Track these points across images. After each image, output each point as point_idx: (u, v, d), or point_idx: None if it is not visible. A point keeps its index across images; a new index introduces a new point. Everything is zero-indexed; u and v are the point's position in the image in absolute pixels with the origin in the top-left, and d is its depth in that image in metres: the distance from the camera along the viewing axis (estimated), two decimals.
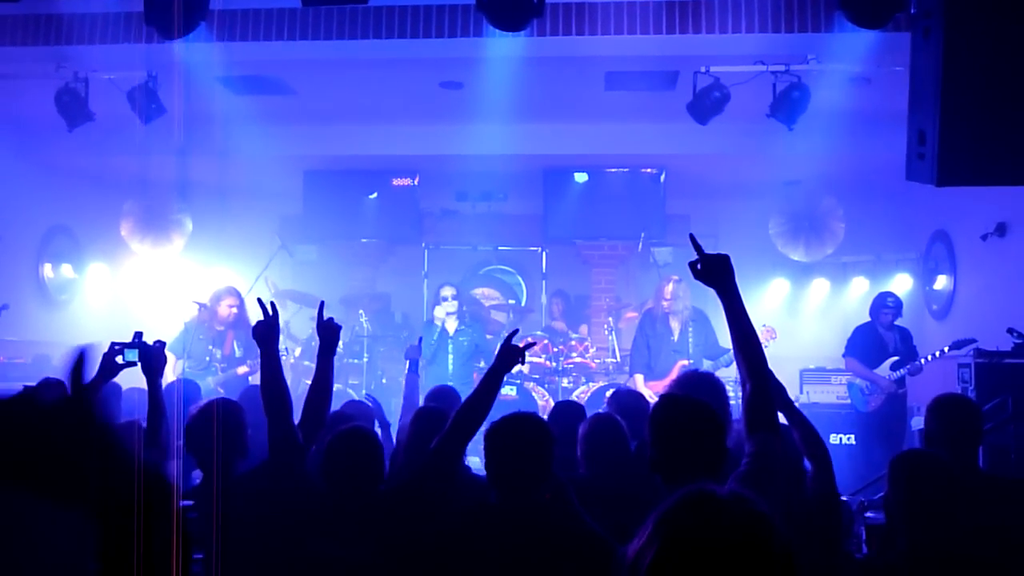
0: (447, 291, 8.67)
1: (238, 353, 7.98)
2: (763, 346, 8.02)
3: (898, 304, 8.50)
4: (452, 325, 8.61)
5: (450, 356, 8.51)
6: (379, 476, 3.66)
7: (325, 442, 3.64)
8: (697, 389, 4.21)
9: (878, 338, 8.44)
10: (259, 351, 3.91)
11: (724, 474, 2.89)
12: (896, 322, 8.50)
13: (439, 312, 8.54)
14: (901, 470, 3.37)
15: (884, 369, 8.31)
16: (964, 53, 4.68)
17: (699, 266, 3.18)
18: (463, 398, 3.89)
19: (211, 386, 7.60)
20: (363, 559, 3.35)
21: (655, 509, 1.46)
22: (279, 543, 3.34)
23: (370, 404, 5.87)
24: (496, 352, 3.89)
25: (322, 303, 4.32)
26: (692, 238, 3.34)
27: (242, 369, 7.91)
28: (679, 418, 2.94)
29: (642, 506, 3.37)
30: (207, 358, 7.92)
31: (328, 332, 4.12)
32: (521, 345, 3.93)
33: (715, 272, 3.15)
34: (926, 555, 3.13)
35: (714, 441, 2.88)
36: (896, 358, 8.29)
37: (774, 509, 1.46)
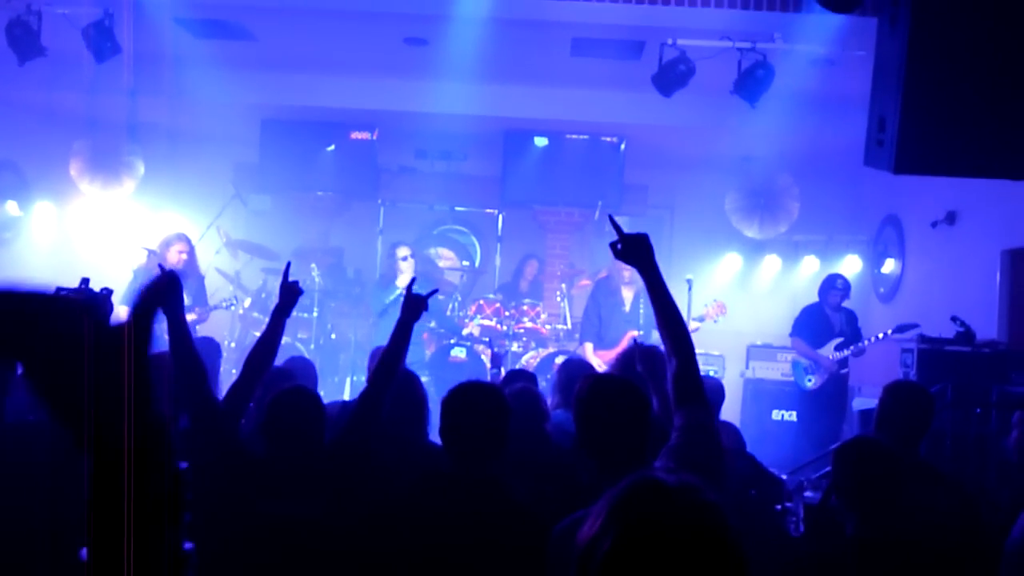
0: (403, 251, 8.66)
1: (187, 301, 7.87)
2: (714, 320, 8.10)
3: (847, 286, 8.64)
4: (404, 283, 8.56)
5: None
6: (321, 435, 3.63)
7: (265, 401, 3.61)
8: (643, 360, 4.25)
9: (824, 318, 8.59)
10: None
11: (655, 448, 2.93)
12: (843, 304, 8.65)
13: (401, 279, 8.51)
14: (848, 457, 3.43)
15: (828, 349, 8.45)
16: (929, 43, 4.72)
17: (619, 246, 3.21)
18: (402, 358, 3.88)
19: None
20: (316, 516, 3.35)
21: (604, 497, 1.46)
22: (227, 510, 3.30)
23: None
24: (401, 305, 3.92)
25: (288, 263, 4.27)
26: (611, 218, 3.40)
27: (190, 316, 7.82)
28: (599, 398, 2.96)
29: (556, 478, 3.41)
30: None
31: (288, 294, 4.11)
32: (425, 294, 3.96)
33: (636, 251, 3.21)
34: (873, 540, 3.20)
35: (636, 418, 2.90)
36: (840, 339, 8.44)
37: (708, 484, 1.48)
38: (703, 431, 2.91)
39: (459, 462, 3.20)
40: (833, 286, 8.63)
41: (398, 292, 8.41)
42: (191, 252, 7.98)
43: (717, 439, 3.00)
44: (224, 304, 8.63)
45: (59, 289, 4.05)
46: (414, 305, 3.91)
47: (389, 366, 3.76)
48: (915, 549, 3.19)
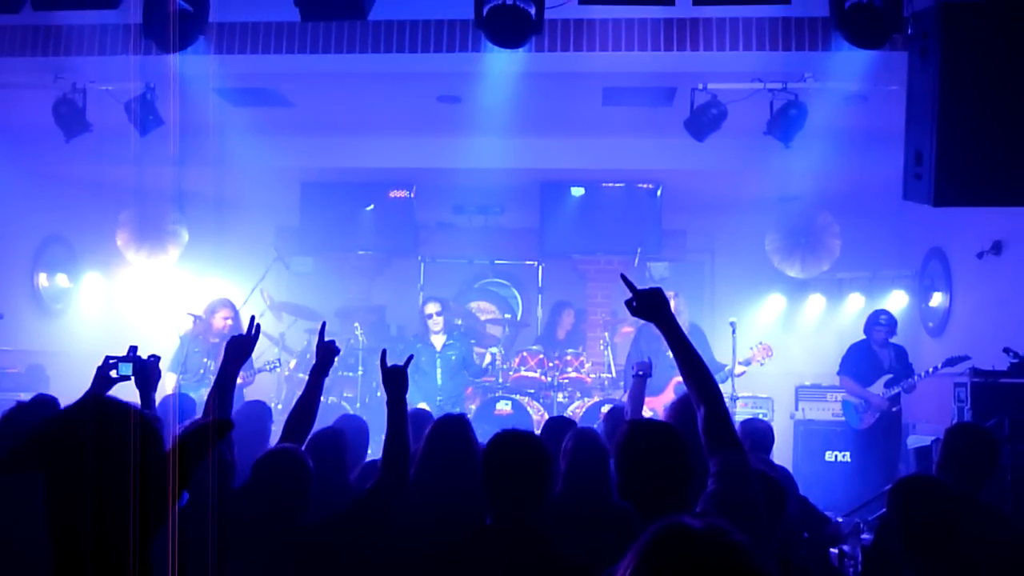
0: (432, 307, 8.94)
1: None
2: (760, 363, 8.01)
3: (891, 321, 8.52)
4: (440, 340, 8.88)
5: (438, 371, 8.75)
6: (300, 505, 3.57)
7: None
8: (687, 410, 4.20)
9: (872, 356, 8.46)
10: (223, 359, 4.01)
11: (696, 494, 2.91)
12: (891, 339, 8.52)
13: (435, 338, 8.87)
14: (903, 497, 3.35)
15: (878, 387, 8.32)
16: (961, 74, 4.71)
17: (635, 303, 3.20)
18: (444, 411, 3.87)
19: (204, 397, 7.59)
20: None
21: (633, 544, 1.46)
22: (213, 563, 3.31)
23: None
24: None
25: (323, 323, 4.32)
26: (623, 277, 3.42)
27: (237, 380, 7.89)
28: (639, 443, 2.97)
29: (616, 530, 3.37)
30: (201, 370, 7.92)
31: (326, 353, 4.17)
32: (403, 365, 3.91)
33: (651, 306, 3.21)
34: None
35: (676, 463, 2.91)
36: (890, 376, 8.31)
37: (748, 530, 1.47)
38: (738, 475, 2.88)
39: (501, 515, 3.17)
40: (877, 322, 8.52)
41: (438, 353, 8.76)
42: (235, 317, 8.12)
43: (754, 481, 2.96)
44: (268, 367, 8.71)
45: (108, 357, 4.14)
46: (396, 378, 3.83)
47: (398, 448, 3.69)
48: None
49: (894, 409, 8.33)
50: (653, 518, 2.75)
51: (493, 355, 9.42)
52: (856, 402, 8.48)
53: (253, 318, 4.20)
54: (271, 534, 3.44)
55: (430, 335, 8.88)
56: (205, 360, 7.94)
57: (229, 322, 8.09)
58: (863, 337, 8.62)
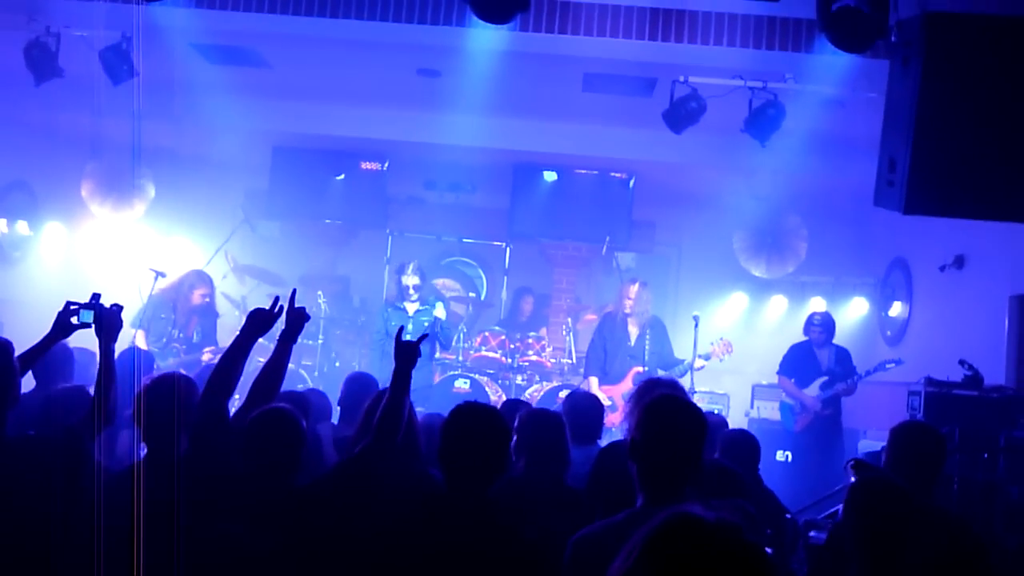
0: (411, 279, 8.41)
1: (196, 339, 7.97)
2: (720, 359, 8.02)
3: (826, 322, 8.60)
4: (413, 306, 8.48)
5: (408, 337, 8.30)
6: (294, 464, 3.62)
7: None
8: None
9: (811, 357, 8.54)
10: (243, 329, 4.04)
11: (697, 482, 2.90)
12: (833, 341, 8.58)
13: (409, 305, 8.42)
14: (861, 496, 3.34)
15: (813, 388, 8.40)
16: (941, 85, 4.74)
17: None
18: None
19: (171, 366, 7.54)
20: (269, 546, 3.32)
21: (640, 532, 1.42)
22: (192, 521, 3.29)
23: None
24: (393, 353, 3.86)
25: (294, 290, 4.28)
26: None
27: (206, 355, 7.86)
28: (668, 415, 2.89)
29: (578, 513, 3.38)
30: (165, 339, 7.83)
31: (296, 319, 4.14)
32: (416, 341, 3.91)
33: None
34: None
35: (698, 443, 2.88)
36: (826, 378, 8.38)
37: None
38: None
39: (457, 485, 3.18)
40: (811, 323, 8.62)
41: (410, 317, 8.31)
42: (212, 293, 8.16)
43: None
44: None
45: (69, 303, 4.07)
46: (407, 352, 3.82)
47: (393, 417, 3.69)
48: None
49: (827, 412, 8.38)
50: (653, 491, 2.75)
51: (461, 332, 9.40)
52: (791, 403, 8.57)
53: (277, 299, 4.20)
54: (266, 493, 3.44)
55: (405, 301, 8.45)
56: (172, 330, 7.85)
57: (207, 299, 8.09)
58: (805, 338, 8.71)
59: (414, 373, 3.78)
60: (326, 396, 5.73)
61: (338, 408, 5.59)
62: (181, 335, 7.86)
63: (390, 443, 3.66)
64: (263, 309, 4.12)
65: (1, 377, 3.58)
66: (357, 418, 4.30)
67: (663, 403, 2.92)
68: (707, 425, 2.93)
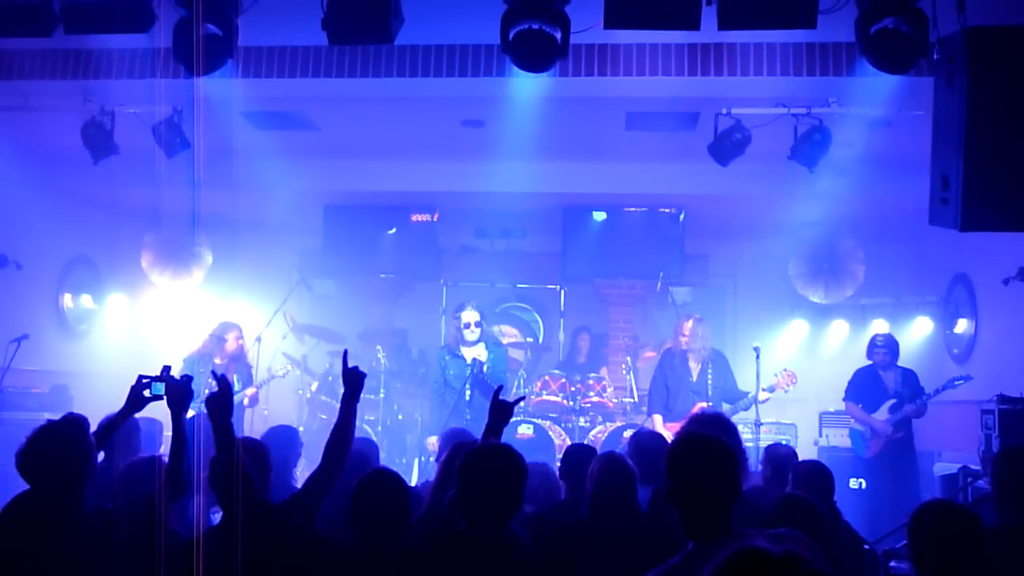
0: (470, 316, 8.13)
1: (237, 387, 8.11)
2: (784, 390, 7.90)
3: (889, 343, 8.43)
4: (471, 353, 8.13)
5: (467, 385, 8.02)
6: (406, 522, 3.60)
7: (352, 486, 3.61)
8: (709, 429, 4.18)
9: (877, 380, 8.36)
10: (344, 396, 4.10)
11: (737, 513, 2.90)
12: (898, 363, 8.42)
13: (469, 351, 8.12)
14: (924, 524, 3.25)
15: (882, 412, 8.22)
16: (987, 98, 4.69)
17: None
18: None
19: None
20: None
21: (710, 565, 1.43)
22: None
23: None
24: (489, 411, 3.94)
25: (345, 351, 4.30)
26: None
27: (250, 390, 8.20)
28: (693, 453, 2.97)
29: (642, 556, 3.35)
30: (206, 390, 7.97)
31: (353, 379, 4.15)
32: (511, 400, 4.01)
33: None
34: None
35: (729, 476, 2.92)
36: (894, 400, 8.20)
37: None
38: None
39: (474, 522, 3.22)
40: (875, 345, 8.45)
41: (468, 365, 8.08)
42: (242, 335, 8.40)
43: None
44: (274, 375, 8.84)
45: (142, 377, 4.17)
46: (503, 410, 3.96)
47: (340, 442, 3.87)
48: None
49: (898, 435, 8.19)
50: (699, 531, 2.77)
51: (521, 378, 9.40)
52: (861, 429, 8.39)
53: (346, 352, 4.28)
54: (378, 557, 3.46)
55: (460, 347, 8.15)
56: (210, 380, 8.00)
57: (241, 342, 8.31)
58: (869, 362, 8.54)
59: (477, 422, 3.84)
60: (374, 446, 5.80)
61: (436, 464, 5.64)
62: None
63: (336, 468, 3.80)
64: (350, 369, 4.13)
65: (78, 452, 3.67)
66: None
67: (684, 446, 3.01)
68: (734, 455, 2.97)
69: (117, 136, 7.76)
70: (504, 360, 8.42)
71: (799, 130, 7.41)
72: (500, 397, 3.98)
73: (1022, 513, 3.68)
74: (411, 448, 9.49)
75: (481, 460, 3.32)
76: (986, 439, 6.54)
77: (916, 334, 10.27)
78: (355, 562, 3.44)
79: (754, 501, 4.41)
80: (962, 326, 9.74)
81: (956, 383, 7.95)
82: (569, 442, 8.32)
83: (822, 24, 5.31)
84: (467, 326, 8.12)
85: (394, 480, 3.62)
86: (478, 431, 7.25)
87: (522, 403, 5.45)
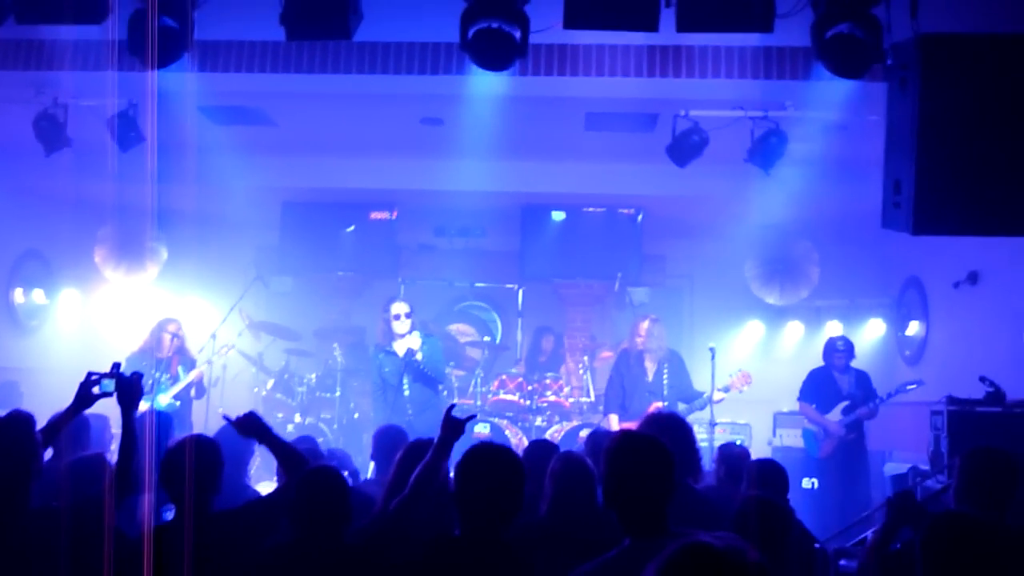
0: (400, 307, 7.93)
1: (181, 376, 8.20)
2: (739, 391, 7.96)
3: (848, 346, 8.55)
4: (404, 345, 7.83)
5: (405, 380, 7.78)
6: (345, 521, 3.59)
7: (294, 482, 3.60)
8: (663, 430, 4.21)
9: (831, 382, 8.48)
10: (440, 439, 3.85)
11: (691, 512, 2.94)
12: (852, 364, 8.53)
13: (400, 344, 7.85)
14: (941, 538, 3.14)
15: (836, 413, 8.33)
16: (939, 104, 4.76)
17: None
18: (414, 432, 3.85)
19: (163, 404, 7.85)
20: None
21: (653, 562, 1.45)
22: None
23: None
24: (440, 424, 3.84)
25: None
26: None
27: (194, 373, 8.19)
28: (629, 452, 3.01)
29: (599, 555, 3.37)
30: (150, 381, 7.92)
31: (452, 427, 3.87)
32: (463, 419, 3.88)
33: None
34: None
35: (664, 475, 2.96)
36: (847, 402, 8.31)
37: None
38: None
39: (472, 526, 3.17)
40: (834, 348, 8.56)
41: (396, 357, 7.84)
42: (180, 328, 8.35)
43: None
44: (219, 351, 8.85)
45: (91, 373, 4.11)
46: (454, 427, 3.81)
47: (429, 481, 3.69)
48: None
49: (850, 436, 8.30)
50: (636, 528, 2.81)
51: (478, 376, 9.39)
52: (814, 429, 8.50)
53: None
54: (317, 551, 3.44)
55: (393, 341, 7.88)
56: (155, 373, 7.98)
57: (181, 334, 8.29)
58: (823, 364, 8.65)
59: (421, 416, 3.79)
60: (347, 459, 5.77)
61: (372, 463, 5.61)
62: (167, 376, 8.01)
63: (421, 503, 3.69)
64: (453, 418, 3.89)
65: (24, 450, 3.61)
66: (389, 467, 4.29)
67: (621, 445, 3.03)
68: (669, 453, 3.01)
69: (70, 129, 7.63)
70: (439, 350, 8.08)
71: (756, 133, 7.49)
72: (453, 414, 3.88)
73: (982, 510, 3.72)
74: (367, 447, 9.42)
75: (479, 462, 3.24)
76: (935, 440, 6.64)
77: (869, 336, 10.43)
78: (293, 559, 3.41)
79: (707, 499, 4.46)
80: (914, 328, 9.91)
81: (908, 387, 8.09)
82: (526, 441, 8.33)
83: (779, 28, 5.37)
84: (396, 317, 7.88)
85: (333, 478, 3.60)
86: (421, 426, 7.24)
87: (477, 419, 5.33)
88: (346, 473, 5.09)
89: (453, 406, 4.07)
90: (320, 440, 7.73)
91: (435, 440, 3.81)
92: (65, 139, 7.64)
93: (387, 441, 5.37)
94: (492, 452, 3.30)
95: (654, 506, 2.88)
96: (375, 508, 4.04)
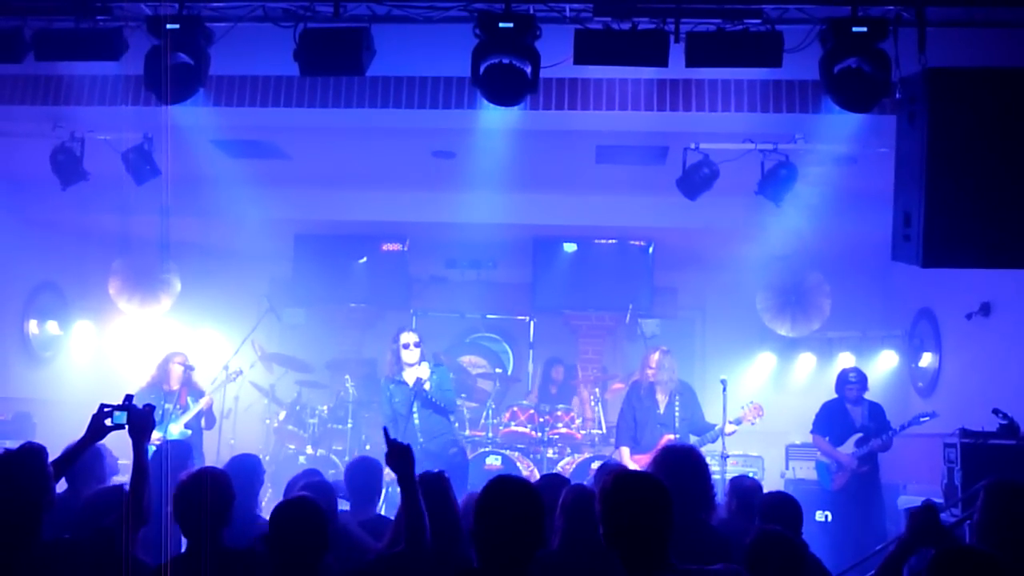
0: (409, 337, 7.96)
1: (191, 405, 8.17)
2: (751, 423, 7.93)
3: (861, 378, 8.50)
4: (413, 375, 7.86)
5: (415, 411, 7.80)
6: (321, 551, 3.59)
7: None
8: (678, 464, 4.19)
9: (844, 414, 8.41)
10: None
11: (703, 546, 2.94)
12: (865, 396, 8.48)
13: (410, 373, 7.86)
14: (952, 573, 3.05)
15: (848, 446, 8.27)
16: (948, 137, 4.78)
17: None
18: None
19: (175, 433, 7.84)
20: None
21: None
22: None
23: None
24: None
25: (385, 428, 4.19)
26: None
27: (203, 401, 8.17)
28: (625, 494, 3.02)
29: None
30: (160, 412, 7.94)
31: (399, 458, 3.87)
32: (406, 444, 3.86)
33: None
34: None
35: (660, 513, 2.97)
36: (860, 435, 8.26)
37: None
38: None
39: (491, 560, 3.13)
40: (847, 380, 8.50)
41: (407, 387, 7.81)
42: (186, 359, 8.31)
43: None
44: (228, 377, 8.85)
45: (103, 405, 4.14)
46: (400, 456, 3.78)
47: (415, 522, 3.70)
48: None
49: (864, 469, 8.24)
50: (637, 566, 2.81)
51: (490, 408, 9.39)
52: (827, 462, 8.44)
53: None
54: None
55: (403, 371, 7.88)
56: (166, 405, 8.00)
57: (187, 367, 8.25)
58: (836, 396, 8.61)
59: (431, 445, 3.78)
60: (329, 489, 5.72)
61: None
62: (177, 406, 8.04)
63: (423, 545, 3.67)
64: (396, 444, 3.86)
65: (36, 482, 3.63)
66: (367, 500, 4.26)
67: (616, 485, 3.04)
68: (665, 490, 3.02)
69: (86, 162, 7.73)
70: (448, 378, 8.12)
71: (766, 165, 7.52)
72: (391, 437, 3.84)
73: (1006, 547, 3.57)
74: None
75: (500, 496, 3.17)
76: (948, 472, 6.59)
77: (881, 367, 10.38)
78: None
79: (719, 533, 4.43)
80: (926, 360, 9.86)
81: (922, 419, 8.03)
82: (538, 474, 8.30)
83: (788, 62, 5.42)
84: (406, 347, 7.90)
85: (309, 508, 3.61)
86: (435, 456, 7.22)
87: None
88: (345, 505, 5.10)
89: (385, 428, 4.05)
90: (331, 472, 7.75)
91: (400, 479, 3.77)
92: (81, 172, 7.74)
93: (359, 474, 5.30)
94: (511, 485, 3.26)
95: (653, 544, 2.89)
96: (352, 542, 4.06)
